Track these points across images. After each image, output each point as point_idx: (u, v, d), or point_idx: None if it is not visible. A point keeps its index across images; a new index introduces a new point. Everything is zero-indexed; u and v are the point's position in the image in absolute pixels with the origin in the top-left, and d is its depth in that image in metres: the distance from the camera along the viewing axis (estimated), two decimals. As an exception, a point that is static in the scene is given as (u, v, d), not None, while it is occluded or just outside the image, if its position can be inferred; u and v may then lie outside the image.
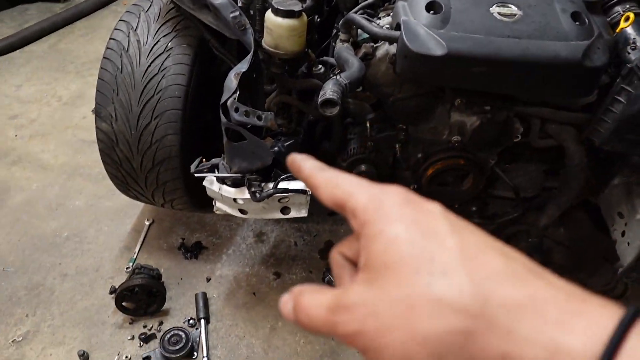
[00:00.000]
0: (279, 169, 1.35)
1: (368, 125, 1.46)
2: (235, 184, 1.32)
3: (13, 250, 1.96)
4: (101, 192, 2.21)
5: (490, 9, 1.17)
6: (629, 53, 1.16)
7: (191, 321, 1.74)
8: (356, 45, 1.35)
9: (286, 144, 1.40)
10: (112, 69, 1.49)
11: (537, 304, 0.28)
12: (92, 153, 2.40)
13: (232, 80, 1.20)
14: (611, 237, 1.54)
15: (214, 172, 1.34)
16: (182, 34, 1.50)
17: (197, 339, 1.68)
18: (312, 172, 0.39)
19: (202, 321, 1.72)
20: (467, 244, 0.31)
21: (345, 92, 1.13)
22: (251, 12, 1.40)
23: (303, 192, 1.29)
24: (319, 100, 1.11)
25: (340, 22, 1.36)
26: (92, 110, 2.64)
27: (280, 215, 1.41)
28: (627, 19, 1.20)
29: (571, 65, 1.11)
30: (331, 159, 1.63)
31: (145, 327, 1.71)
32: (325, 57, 1.40)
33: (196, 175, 1.34)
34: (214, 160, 1.36)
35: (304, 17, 1.26)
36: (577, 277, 1.92)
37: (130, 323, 1.72)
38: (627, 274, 1.43)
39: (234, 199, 1.34)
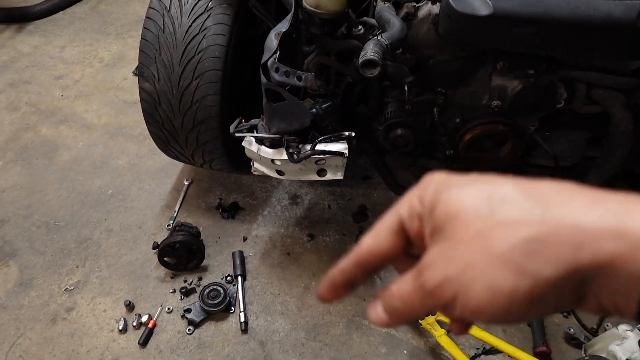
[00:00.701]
0: (316, 130, 1.37)
1: (406, 88, 1.45)
2: (274, 144, 1.34)
3: (62, 206, 2.07)
4: (142, 152, 2.29)
5: (540, -34, 1.12)
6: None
7: (228, 278, 1.81)
8: (397, 5, 1.32)
9: (324, 105, 1.41)
10: (155, 28, 1.51)
11: (597, 202, 0.30)
12: (133, 114, 2.48)
13: (272, 40, 1.21)
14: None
15: (253, 133, 1.36)
16: (222, -6, 1.51)
17: (234, 294, 1.75)
18: (356, 248, 0.40)
19: (239, 278, 1.79)
20: (517, 179, 0.34)
21: (386, 53, 1.12)
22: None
23: (340, 154, 1.31)
24: (360, 60, 1.10)
25: (382, -19, 1.34)
26: (133, 72, 2.72)
27: (316, 177, 1.43)
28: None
29: (625, 25, 1.06)
30: (368, 122, 1.63)
31: (185, 281, 1.80)
32: (365, 18, 1.38)
33: (235, 135, 1.37)
34: (253, 121, 1.39)
35: (346, -25, 1.25)
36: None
37: (171, 277, 1.81)
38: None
39: (272, 160, 1.36)
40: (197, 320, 1.67)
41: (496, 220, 0.31)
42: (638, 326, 1.44)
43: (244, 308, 1.71)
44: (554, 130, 1.55)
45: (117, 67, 2.80)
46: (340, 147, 1.31)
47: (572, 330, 1.58)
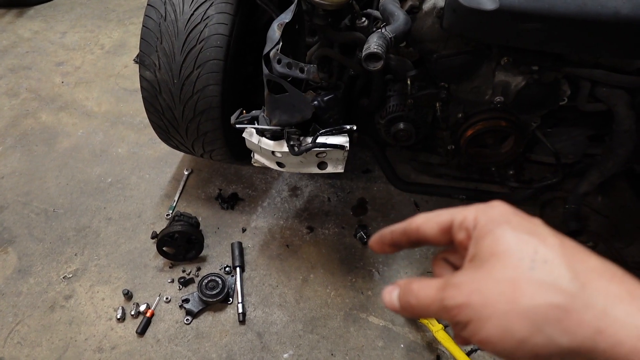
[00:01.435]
0: (318, 123, 1.36)
1: (409, 82, 1.44)
2: (275, 136, 1.33)
3: (62, 193, 2.07)
4: (142, 140, 2.28)
5: (548, -40, 1.10)
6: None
7: (227, 269, 1.81)
8: (402, -2, 1.31)
9: (326, 98, 1.40)
10: (156, 16, 1.50)
11: (634, 296, 0.31)
12: (134, 102, 2.46)
13: (275, 31, 1.20)
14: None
15: (254, 124, 1.35)
16: (225, -17, 1.49)
17: (233, 285, 1.75)
18: (411, 219, 0.43)
19: (238, 269, 1.79)
20: (567, 244, 0.35)
21: (389, 46, 1.11)
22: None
23: (341, 147, 1.30)
24: (363, 53, 1.09)
25: (387, -27, 1.32)
26: (134, 59, 2.70)
27: (317, 170, 1.42)
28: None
29: (632, 23, 1.05)
30: (369, 116, 1.62)
31: (184, 271, 1.80)
32: (369, 10, 1.36)
33: (236, 126, 1.36)
34: (254, 112, 1.38)
35: (350, -34, 1.23)
36: (614, 246, 1.88)
37: (170, 267, 1.81)
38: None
39: (272, 152, 1.36)
40: (195, 310, 1.68)
41: (533, 277, 0.33)
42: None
43: (242, 299, 1.71)
44: (556, 127, 1.54)
45: (118, 55, 2.79)
46: (342, 140, 1.30)
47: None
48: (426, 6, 1.26)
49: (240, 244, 1.86)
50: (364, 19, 1.35)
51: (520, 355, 0.32)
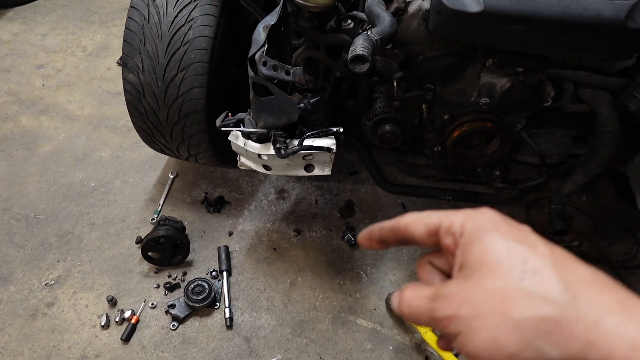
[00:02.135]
0: (304, 125, 1.35)
1: (395, 84, 1.44)
2: (261, 139, 1.32)
3: (43, 199, 2.02)
4: (126, 144, 2.25)
5: (532, -37, 1.11)
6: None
7: (214, 273, 1.79)
8: (388, 0, 1.31)
9: (312, 100, 1.39)
10: (139, 18, 1.48)
11: (624, 307, 0.31)
12: (117, 105, 2.43)
13: (260, 33, 1.18)
14: (637, 206, 1.52)
15: (240, 127, 1.34)
16: (209, -15, 1.47)
17: (219, 290, 1.73)
18: (400, 217, 0.43)
19: (224, 273, 1.77)
20: (557, 253, 0.34)
21: (375, 48, 1.10)
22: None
23: (328, 150, 1.29)
24: (349, 55, 1.09)
25: (372, -25, 1.32)
26: (117, 62, 2.66)
27: (303, 173, 1.41)
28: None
29: (614, 25, 1.06)
30: (356, 118, 1.62)
31: (169, 276, 1.77)
32: (355, 12, 1.36)
33: (222, 129, 1.35)
34: (240, 115, 1.36)
35: (336, -32, 1.22)
36: (598, 245, 1.91)
37: (155, 272, 1.79)
38: (651, 243, 1.42)
39: (259, 155, 1.34)
40: (182, 315, 1.65)
41: (523, 287, 0.32)
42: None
43: (229, 304, 1.69)
44: (541, 128, 1.56)
45: (101, 57, 2.74)
46: (328, 142, 1.29)
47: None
48: (411, 8, 1.27)
49: (226, 247, 1.84)
50: (349, 21, 1.35)
51: None
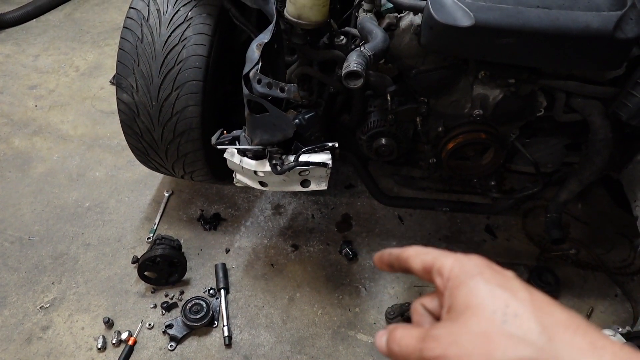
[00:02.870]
0: (299, 141, 1.35)
1: (389, 97, 1.45)
2: (257, 156, 1.32)
3: (37, 220, 2.01)
4: (120, 163, 2.24)
5: (520, -23, 1.13)
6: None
7: (211, 291, 1.77)
8: (379, 16, 1.32)
9: (307, 116, 1.39)
10: (133, 38, 1.48)
11: (596, 348, 0.34)
12: (111, 124, 2.42)
13: (254, 51, 1.19)
14: (632, 213, 1.53)
15: (235, 144, 1.34)
16: (202, 3, 1.48)
17: (218, 308, 1.72)
18: (405, 248, 0.47)
19: (222, 291, 1.75)
20: (536, 298, 0.38)
21: (369, 63, 1.11)
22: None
23: (324, 165, 1.29)
24: (343, 72, 1.10)
25: (364, -8, 1.33)
26: (110, 81, 2.66)
27: (300, 188, 1.41)
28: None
29: (602, 36, 1.08)
30: (351, 132, 1.62)
31: (167, 296, 1.76)
32: (347, 28, 1.38)
33: (217, 147, 1.35)
34: (235, 132, 1.36)
35: (328, -14, 1.24)
36: (595, 252, 1.91)
37: (152, 292, 1.77)
38: (647, 250, 1.43)
39: (255, 172, 1.34)
40: (179, 335, 1.63)
41: (505, 330, 0.35)
42: (619, 330, 1.46)
43: (228, 322, 1.68)
44: (535, 138, 1.57)
45: (94, 76, 2.74)
46: (324, 157, 1.29)
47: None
48: (403, 23, 1.28)
49: (224, 265, 1.83)
50: (342, 37, 1.36)
51: None
